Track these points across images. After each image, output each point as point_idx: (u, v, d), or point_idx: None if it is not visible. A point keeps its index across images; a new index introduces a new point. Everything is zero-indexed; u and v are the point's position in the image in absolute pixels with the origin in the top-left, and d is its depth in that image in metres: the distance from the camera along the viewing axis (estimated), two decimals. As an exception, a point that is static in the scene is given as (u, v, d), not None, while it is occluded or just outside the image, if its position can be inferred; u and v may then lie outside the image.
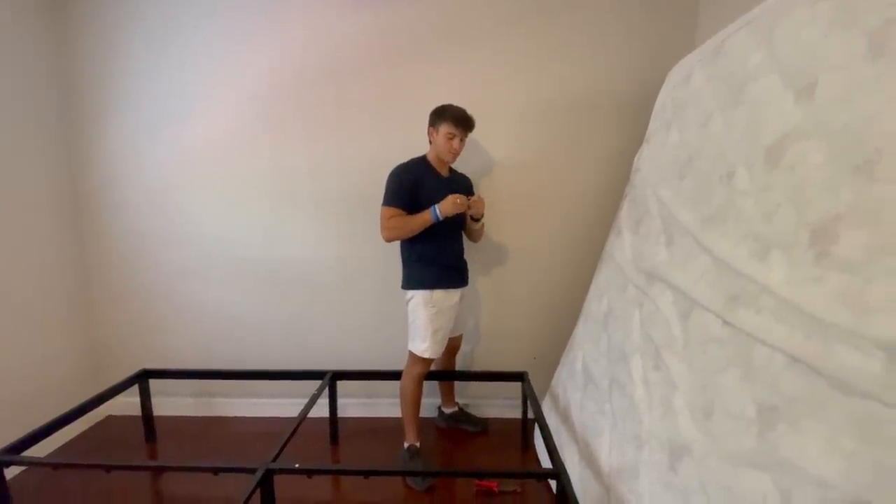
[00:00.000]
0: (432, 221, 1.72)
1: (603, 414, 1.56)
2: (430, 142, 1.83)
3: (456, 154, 1.81)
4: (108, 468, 1.41)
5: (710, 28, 1.89)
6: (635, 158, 1.90)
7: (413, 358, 1.85)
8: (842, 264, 0.85)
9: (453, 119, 1.74)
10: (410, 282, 1.85)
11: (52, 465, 1.52)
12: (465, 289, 1.95)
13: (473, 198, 1.79)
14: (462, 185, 1.94)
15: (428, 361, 1.84)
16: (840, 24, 0.95)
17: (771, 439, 0.91)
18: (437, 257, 1.83)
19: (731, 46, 1.35)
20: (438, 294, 1.80)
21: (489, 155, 2.15)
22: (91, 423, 2.22)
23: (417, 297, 1.81)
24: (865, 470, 0.72)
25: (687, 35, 2.04)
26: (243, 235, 2.21)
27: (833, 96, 0.94)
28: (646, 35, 2.05)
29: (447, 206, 1.69)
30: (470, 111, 1.80)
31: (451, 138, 1.76)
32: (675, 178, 1.52)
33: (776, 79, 1.11)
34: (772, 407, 0.93)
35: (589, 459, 1.54)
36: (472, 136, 1.96)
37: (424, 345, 1.80)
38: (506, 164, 2.15)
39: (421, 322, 1.80)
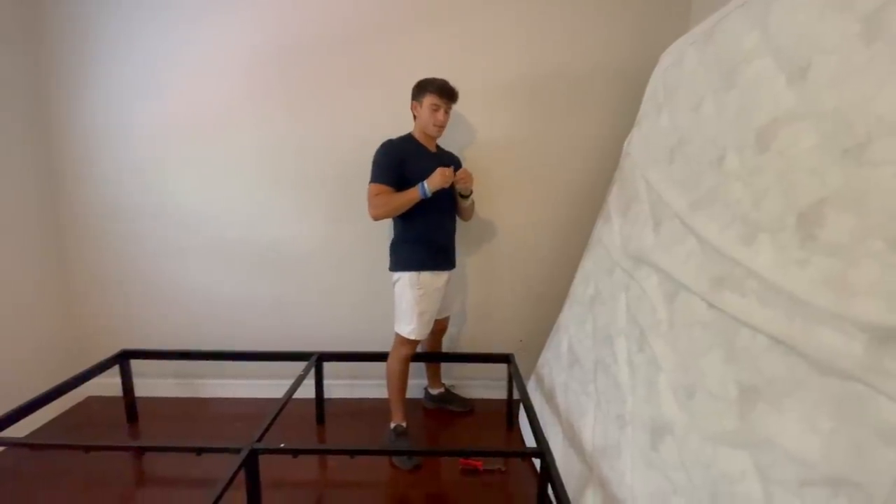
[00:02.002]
0: (420, 198, 1.69)
1: (587, 395, 1.58)
2: (415, 116, 1.80)
3: (441, 126, 1.77)
4: (88, 448, 1.38)
5: (703, 9, 1.87)
6: (625, 142, 1.89)
7: (399, 339, 1.84)
8: (827, 248, 0.86)
9: (437, 90, 1.71)
10: (397, 263, 1.83)
11: (29, 445, 1.49)
12: (453, 271, 1.94)
13: (459, 171, 1.76)
14: (450, 161, 1.91)
15: (414, 343, 1.84)
16: (835, 6, 0.94)
17: (751, 419, 0.93)
18: (428, 236, 1.81)
19: (724, 29, 1.33)
20: (425, 276, 1.79)
21: (478, 134, 2.12)
22: (71, 405, 2.18)
23: (404, 278, 1.80)
24: (844, 449, 0.74)
25: (680, 17, 2.02)
26: (227, 214, 2.16)
27: (825, 79, 0.94)
28: (638, 16, 2.02)
29: (435, 180, 1.66)
30: (459, 88, 1.77)
31: (435, 110, 1.73)
32: (664, 162, 1.52)
33: (769, 62, 1.10)
34: (753, 387, 0.94)
35: (573, 439, 1.56)
36: (460, 114, 1.93)
37: (410, 326, 1.79)
38: (494, 146, 2.13)
39: (407, 304, 1.79)
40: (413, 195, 1.68)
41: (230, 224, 2.16)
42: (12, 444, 1.52)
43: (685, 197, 1.35)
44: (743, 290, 1.03)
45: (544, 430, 1.52)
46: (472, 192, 1.86)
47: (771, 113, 1.07)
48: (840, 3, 0.93)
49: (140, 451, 1.80)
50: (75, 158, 2.09)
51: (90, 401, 2.24)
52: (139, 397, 2.10)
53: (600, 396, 1.50)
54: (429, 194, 1.67)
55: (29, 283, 2.01)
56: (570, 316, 1.91)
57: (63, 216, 2.14)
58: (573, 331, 1.83)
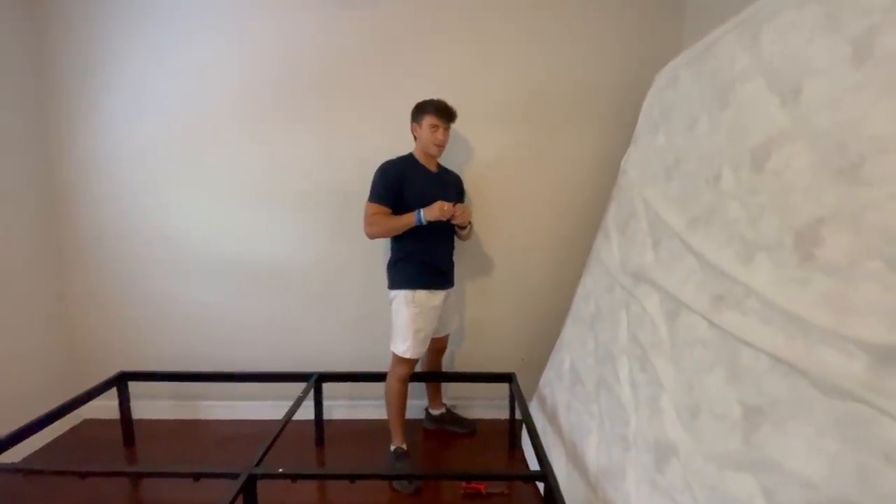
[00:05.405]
0: (415, 224, 1.71)
1: (590, 415, 1.56)
2: (415, 138, 1.83)
3: (441, 146, 1.80)
4: (84, 475, 1.36)
5: (696, 29, 1.91)
6: (622, 160, 1.91)
7: (396, 358, 1.83)
8: (826, 267, 0.86)
9: (435, 110, 1.75)
10: (394, 282, 1.84)
11: (23, 471, 1.46)
12: (451, 289, 1.94)
13: (458, 206, 1.76)
14: (451, 181, 1.93)
15: (411, 362, 1.83)
16: (825, 28, 0.96)
17: (756, 440, 0.92)
18: (423, 257, 1.81)
19: (718, 49, 1.36)
20: (421, 294, 1.79)
21: (476, 153, 2.14)
22: (67, 427, 2.15)
23: (400, 296, 1.80)
24: (849, 470, 0.73)
25: (674, 36, 2.06)
26: (225, 235, 2.16)
27: (818, 100, 0.95)
28: (633, 36, 2.07)
29: (433, 212, 1.68)
30: (457, 108, 1.80)
31: (434, 130, 1.76)
32: (661, 181, 1.53)
33: (762, 82, 1.12)
34: (757, 408, 0.94)
35: (576, 460, 1.54)
36: (459, 133, 1.95)
37: (405, 345, 1.79)
38: (493, 163, 2.15)
39: (403, 322, 1.79)
40: (409, 220, 1.71)
41: (228, 245, 2.17)
42: (7, 470, 1.49)
43: (683, 215, 1.35)
44: (743, 308, 1.03)
45: (547, 452, 1.50)
46: (469, 224, 1.88)
47: (765, 133, 1.08)
48: (829, 25, 0.95)
49: (137, 477, 1.78)
50: (74, 181, 2.11)
51: (86, 423, 2.21)
52: (136, 419, 2.07)
53: (603, 416, 1.49)
54: (424, 223, 1.70)
55: (26, 305, 2.00)
56: (571, 334, 1.91)
57: (62, 238, 2.15)
58: (575, 349, 1.82)
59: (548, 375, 2.02)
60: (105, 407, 2.06)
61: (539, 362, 2.15)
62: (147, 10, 2.01)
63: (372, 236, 1.78)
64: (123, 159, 2.11)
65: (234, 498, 1.24)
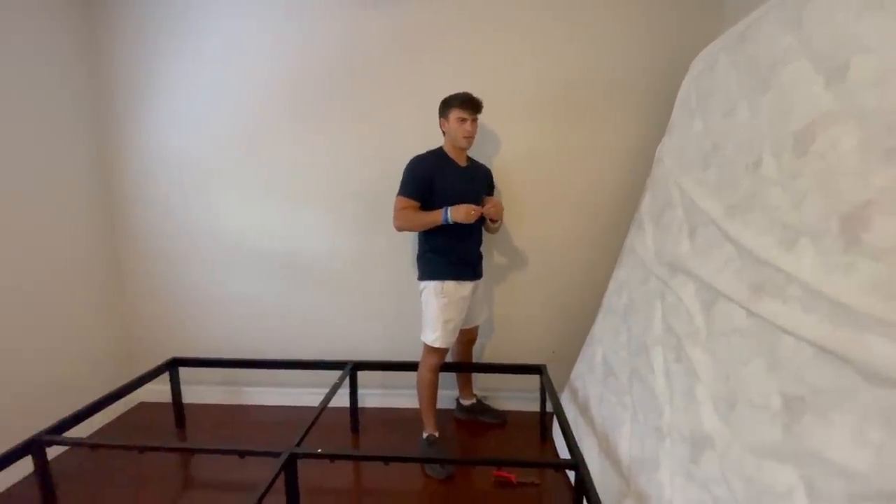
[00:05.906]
0: (441, 223, 1.74)
1: (623, 406, 1.55)
2: (444, 133, 1.85)
3: (470, 137, 1.81)
4: (142, 449, 1.47)
5: (735, 14, 1.84)
6: (657, 149, 1.87)
7: (426, 348, 1.87)
8: (873, 251, 0.83)
9: (461, 103, 1.76)
10: (423, 273, 1.87)
11: (90, 445, 1.60)
12: (480, 281, 1.96)
13: (489, 206, 1.80)
14: (481, 175, 1.95)
15: (441, 351, 1.86)
16: (873, 5, 0.92)
17: (797, 430, 0.89)
18: (450, 251, 1.84)
19: (757, 32, 1.31)
20: (450, 285, 1.82)
21: (507, 145, 2.14)
22: (124, 410, 2.31)
23: (429, 287, 1.84)
24: (895, 461, 0.71)
25: (712, 22, 1.99)
26: (266, 231, 2.26)
27: (865, 79, 0.91)
28: (669, 23, 2.01)
29: (460, 214, 1.71)
30: (487, 101, 1.81)
31: (462, 122, 1.77)
32: (698, 168, 1.49)
33: (806, 63, 1.08)
34: (798, 398, 0.91)
35: (608, 451, 1.53)
36: (489, 126, 1.95)
37: (435, 334, 1.82)
38: (523, 155, 2.14)
39: (432, 312, 1.83)
40: (436, 218, 1.74)
41: (270, 242, 2.27)
42: (75, 443, 1.63)
43: (721, 203, 1.32)
44: (784, 296, 1.00)
45: (579, 443, 1.50)
46: (501, 220, 1.91)
47: (809, 115, 1.04)
48: (877, 1, 0.91)
49: (189, 453, 1.91)
50: (131, 183, 2.26)
51: (142, 406, 2.37)
52: (185, 403, 2.20)
53: (637, 408, 1.47)
54: (450, 222, 1.73)
55: (87, 298, 2.16)
56: (603, 327, 1.89)
57: (117, 236, 2.30)
58: (607, 342, 1.81)
59: (579, 368, 2.00)
60: (158, 391, 2.21)
61: (569, 357, 2.13)
62: (195, 20, 2.12)
63: (400, 229, 1.83)
64: (173, 161, 2.23)
65: (277, 475, 1.31)
